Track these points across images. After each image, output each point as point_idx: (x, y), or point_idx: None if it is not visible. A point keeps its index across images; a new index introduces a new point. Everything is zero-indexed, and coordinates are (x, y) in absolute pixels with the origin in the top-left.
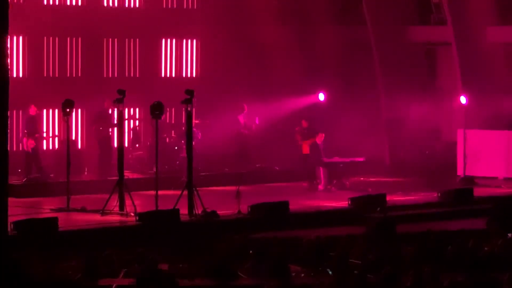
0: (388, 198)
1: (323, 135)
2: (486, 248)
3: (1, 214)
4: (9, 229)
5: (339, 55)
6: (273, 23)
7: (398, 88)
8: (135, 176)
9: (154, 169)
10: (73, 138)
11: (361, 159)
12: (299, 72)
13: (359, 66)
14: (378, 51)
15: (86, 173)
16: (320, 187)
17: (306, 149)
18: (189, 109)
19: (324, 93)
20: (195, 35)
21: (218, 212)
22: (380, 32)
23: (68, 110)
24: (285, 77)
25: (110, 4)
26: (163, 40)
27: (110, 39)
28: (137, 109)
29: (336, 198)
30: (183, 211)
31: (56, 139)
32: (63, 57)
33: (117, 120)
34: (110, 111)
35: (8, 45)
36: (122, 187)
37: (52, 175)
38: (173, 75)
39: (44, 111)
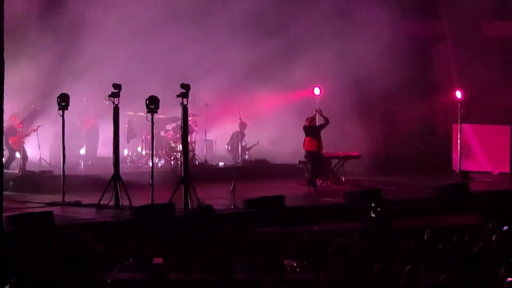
0: (383, 193)
1: None
2: (481, 243)
3: None
4: (4, 224)
5: None
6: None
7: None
8: (131, 170)
9: (150, 163)
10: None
11: (356, 154)
12: (298, 65)
13: None
14: None
15: (81, 167)
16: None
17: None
18: (184, 102)
19: (319, 88)
20: None
21: (214, 206)
22: None
23: (64, 104)
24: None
25: None
26: None
27: None
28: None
29: (331, 193)
30: (179, 205)
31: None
32: None
33: (113, 115)
34: None
35: None
36: (117, 181)
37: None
38: None
39: None
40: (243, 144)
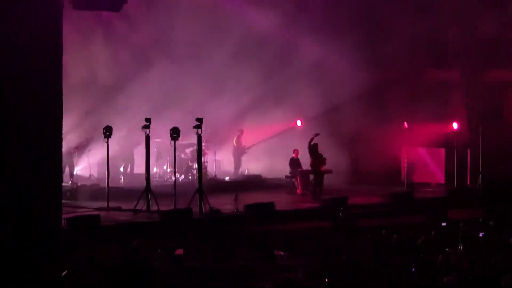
0: (349, 199)
1: (298, 151)
2: (423, 237)
3: (57, 212)
4: (63, 224)
5: None
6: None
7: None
8: (159, 183)
9: (173, 178)
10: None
11: (329, 170)
12: (284, 103)
13: None
14: None
15: (121, 181)
16: (298, 191)
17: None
18: (199, 132)
19: (301, 121)
20: None
21: (221, 210)
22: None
23: (108, 133)
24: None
25: None
26: None
27: None
28: None
29: (310, 200)
30: (195, 209)
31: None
32: None
33: (145, 142)
34: None
35: None
36: (148, 192)
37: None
38: None
39: None
40: (242, 145)
